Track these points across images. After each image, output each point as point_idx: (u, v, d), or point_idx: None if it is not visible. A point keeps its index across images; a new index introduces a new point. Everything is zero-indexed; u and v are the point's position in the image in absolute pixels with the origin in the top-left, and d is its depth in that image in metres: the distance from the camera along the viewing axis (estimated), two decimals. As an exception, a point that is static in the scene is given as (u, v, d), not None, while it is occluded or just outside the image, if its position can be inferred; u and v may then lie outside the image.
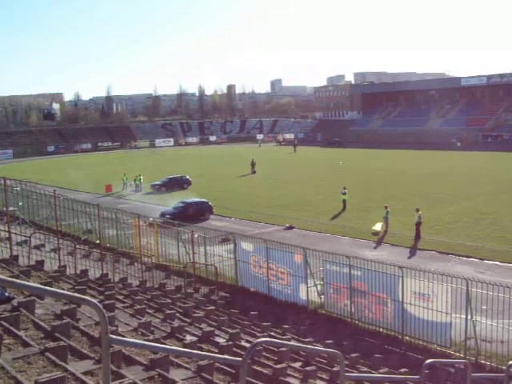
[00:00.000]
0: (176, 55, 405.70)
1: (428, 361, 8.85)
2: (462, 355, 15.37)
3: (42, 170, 74.60)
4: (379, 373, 12.62)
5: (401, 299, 16.93)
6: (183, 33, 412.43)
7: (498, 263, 25.52)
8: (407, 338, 16.93)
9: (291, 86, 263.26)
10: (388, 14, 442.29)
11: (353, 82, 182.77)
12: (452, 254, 27.26)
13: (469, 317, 15.46)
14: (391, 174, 58.57)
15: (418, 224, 30.69)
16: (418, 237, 30.37)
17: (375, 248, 29.72)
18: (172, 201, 43.44)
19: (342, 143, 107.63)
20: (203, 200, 40.03)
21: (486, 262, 25.89)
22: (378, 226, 32.73)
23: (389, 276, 17.25)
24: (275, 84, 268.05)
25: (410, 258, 26.99)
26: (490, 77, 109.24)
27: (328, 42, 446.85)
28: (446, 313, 15.79)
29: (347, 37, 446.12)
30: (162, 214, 36.19)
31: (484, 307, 15.72)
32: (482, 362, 15.08)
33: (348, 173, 60.21)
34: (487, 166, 62.56)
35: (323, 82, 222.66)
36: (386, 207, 33.57)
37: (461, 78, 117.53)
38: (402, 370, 13.43)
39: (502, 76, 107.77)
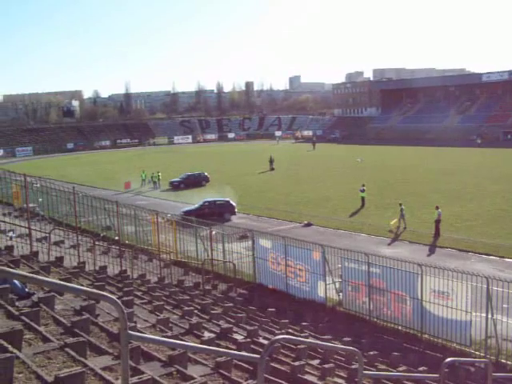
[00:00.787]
0: (194, 52, 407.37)
1: (448, 359, 8.79)
2: (482, 354, 15.21)
3: (61, 167, 75.22)
4: (398, 371, 12.54)
5: (420, 297, 16.80)
6: (201, 29, 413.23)
7: (519, 261, 25.23)
8: (426, 336, 16.80)
9: (309, 82, 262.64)
10: (407, 10, 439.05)
11: (371, 79, 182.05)
12: (471, 252, 26.99)
13: (489, 315, 15.30)
14: (410, 171, 58.13)
15: (438, 221, 30.46)
16: (437, 234, 30.15)
17: (389, 244, 29.68)
18: (190, 198, 43.63)
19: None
20: (226, 199, 39.40)
21: (506, 260, 25.59)
22: (394, 223, 32.67)
23: (408, 273, 17.13)
24: (293, 80, 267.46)
25: (428, 255, 26.77)
26: (511, 72, 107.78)
27: (347, 38, 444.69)
28: (466, 311, 15.64)
29: (366, 33, 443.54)
30: (185, 213, 36.13)
31: (505, 306, 15.55)
32: (503, 361, 14.93)
33: (366, 170, 59.89)
34: (508, 163, 61.85)
35: (342, 79, 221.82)
36: (400, 204, 33.50)
37: (482, 73, 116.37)
38: (421, 368, 13.33)
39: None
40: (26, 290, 9.69)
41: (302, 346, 11.61)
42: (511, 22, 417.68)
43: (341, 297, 19.85)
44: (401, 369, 12.88)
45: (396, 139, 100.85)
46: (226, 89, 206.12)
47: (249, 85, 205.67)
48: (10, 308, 8.23)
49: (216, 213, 36.85)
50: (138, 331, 8.89)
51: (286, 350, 11.99)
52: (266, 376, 8.31)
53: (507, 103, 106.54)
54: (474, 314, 15.76)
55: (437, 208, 31.00)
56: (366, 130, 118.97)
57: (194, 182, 53.58)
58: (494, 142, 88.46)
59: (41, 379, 5.72)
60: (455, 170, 57.38)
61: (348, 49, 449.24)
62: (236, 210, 38.52)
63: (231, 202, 38.76)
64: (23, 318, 7.83)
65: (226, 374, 8.36)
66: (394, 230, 32.24)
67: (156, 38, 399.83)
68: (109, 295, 3.85)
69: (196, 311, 14.17)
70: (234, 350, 9.94)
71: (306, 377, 9.94)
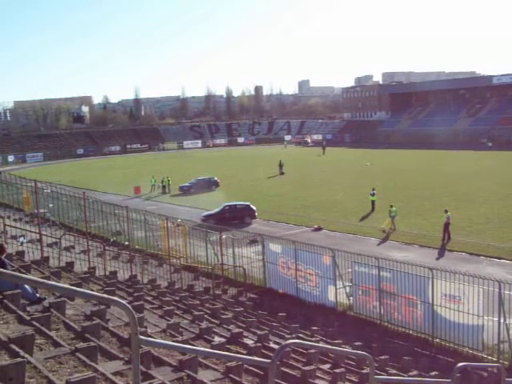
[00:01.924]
0: (203, 57, 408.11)
1: (460, 364, 8.72)
2: (494, 359, 15.10)
3: (71, 173, 75.60)
4: (409, 376, 12.47)
5: (431, 301, 16.73)
6: (210, 34, 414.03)
7: (531, 265, 25.04)
8: (437, 340, 16.71)
9: (319, 86, 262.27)
10: (417, 13, 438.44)
11: (381, 82, 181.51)
12: (483, 256, 26.82)
13: (501, 320, 15.19)
14: (420, 175, 57.95)
15: (447, 225, 30.32)
16: (447, 237, 30.01)
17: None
18: (200, 203, 43.74)
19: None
20: (246, 203, 39.19)
21: (518, 263, 25.43)
22: (385, 224, 33.49)
23: (418, 278, 17.06)
24: (303, 85, 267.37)
25: (439, 259, 26.63)
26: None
27: (356, 41, 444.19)
28: (478, 315, 15.53)
29: (375, 36, 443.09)
30: (205, 217, 36.43)
31: (517, 310, 15.43)
32: (516, 366, 14.81)
33: (376, 173, 59.75)
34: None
35: (351, 83, 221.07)
36: (391, 206, 34.03)
37: (492, 76, 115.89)
38: (433, 373, 13.25)
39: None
40: (37, 295, 9.73)
41: (313, 351, 11.57)
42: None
43: (351, 301, 19.79)
44: (412, 373, 12.82)
45: (406, 143, 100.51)
46: (236, 93, 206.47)
47: (258, 89, 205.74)
48: (21, 313, 8.26)
49: (237, 217, 36.96)
50: (149, 336, 8.90)
51: (297, 355, 11.96)
52: (277, 381, 8.30)
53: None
54: (486, 318, 15.65)
55: (445, 211, 30.83)
56: (375, 134, 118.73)
57: (204, 186, 53.57)
58: (505, 145, 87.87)
59: (52, 384, 5.73)
60: (466, 173, 57.10)
61: (357, 52, 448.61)
62: (256, 214, 38.42)
63: (251, 206, 38.61)
64: (34, 322, 7.86)
65: (236, 378, 8.35)
66: (386, 230, 33.03)
67: (165, 44, 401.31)
68: (119, 300, 3.85)
69: (206, 316, 14.16)
70: (245, 354, 9.92)
71: (317, 381, 9.91)
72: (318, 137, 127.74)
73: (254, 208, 38.49)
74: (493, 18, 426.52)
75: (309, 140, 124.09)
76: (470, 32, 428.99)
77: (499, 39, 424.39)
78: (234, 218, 36.66)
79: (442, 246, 29.22)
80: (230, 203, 39.01)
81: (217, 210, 38.16)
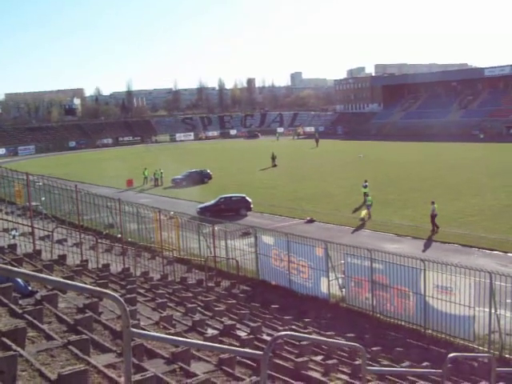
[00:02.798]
0: (195, 49, 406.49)
1: (451, 354, 8.79)
2: (485, 349, 15.22)
3: (63, 165, 75.32)
4: (401, 366, 12.55)
5: (423, 292, 16.82)
6: (202, 26, 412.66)
7: (522, 256, 25.20)
8: (429, 331, 16.82)
9: (311, 78, 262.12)
10: (409, 5, 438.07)
11: (373, 74, 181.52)
12: (475, 247, 26.96)
13: (492, 310, 15.30)
14: (412, 167, 58.11)
15: (433, 216, 30.57)
16: (434, 229, 30.26)
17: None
18: (193, 195, 43.69)
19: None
20: (242, 195, 39.23)
21: (509, 254, 25.57)
22: (363, 214, 34.85)
23: (410, 269, 17.15)
24: (295, 77, 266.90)
25: (431, 250, 26.72)
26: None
27: (348, 33, 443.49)
28: (469, 306, 15.64)
29: (367, 28, 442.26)
30: (201, 210, 36.61)
31: (508, 301, 15.55)
32: (507, 356, 14.94)
33: (369, 166, 59.85)
34: (511, 158, 61.68)
35: (343, 75, 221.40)
36: (367, 195, 35.72)
37: (484, 68, 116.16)
38: (425, 363, 13.34)
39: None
40: (29, 288, 9.71)
41: (306, 343, 11.61)
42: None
43: (344, 293, 19.87)
44: (404, 364, 12.89)
45: (398, 135, 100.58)
46: (228, 86, 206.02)
47: (250, 81, 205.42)
48: (13, 306, 8.24)
49: (232, 209, 37.03)
50: (141, 328, 8.90)
51: (290, 347, 11.99)
52: (270, 372, 8.32)
53: (510, 98, 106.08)
54: (477, 309, 15.76)
55: (432, 203, 31.09)
56: (368, 126, 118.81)
57: (197, 179, 53.47)
58: (496, 137, 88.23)
59: (44, 377, 5.73)
60: (458, 165, 57.30)
61: (349, 44, 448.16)
62: (252, 206, 38.49)
63: (247, 197, 38.68)
64: (26, 316, 7.85)
65: (229, 370, 8.36)
66: (365, 219, 34.25)
67: (157, 36, 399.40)
68: (111, 293, 3.85)
69: (199, 308, 14.18)
70: (237, 346, 9.94)
71: (310, 373, 9.94)
72: (310, 129, 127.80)
73: (250, 200, 38.53)
74: (485, 10, 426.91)
75: (301, 131, 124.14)
76: (462, 24, 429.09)
77: (491, 32, 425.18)
78: (229, 209, 36.73)
79: (431, 237, 29.41)
80: (225, 195, 39.03)
81: (212, 202, 38.21)
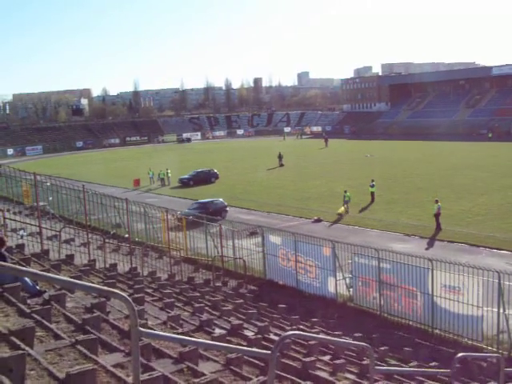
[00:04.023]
0: (202, 49, 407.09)
1: (459, 354, 8.75)
2: (494, 349, 15.14)
3: (71, 166, 75.58)
4: (409, 366, 12.51)
5: (430, 292, 16.76)
6: (210, 26, 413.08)
7: (531, 255, 25.06)
8: (437, 331, 16.76)
9: (318, 78, 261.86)
10: (415, 4, 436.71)
11: (380, 74, 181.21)
12: (483, 247, 26.85)
13: (501, 310, 15.23)
14: (420, 166, 57.90)
15: (437, 215, 30.55)
16: (438, 228, 30.23)
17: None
18: (200, 195, 43.74)
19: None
20: (219, 200, 38.60)
21: (517, 254, 25.45)
22: (341, 210, 35.73)
23: (418, 269, 17.09)
24: (302, 76, 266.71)
25: (438, 250, 26.58)
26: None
27: (355, 33, 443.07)
28: (478, 306, 15.57)
29: (374, 28, 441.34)
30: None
31: (517, 300, 15.46)
32: (515, 356, 14.85)
33: (376, 165, 59.69)
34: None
35: (350, 74, 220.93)
36: (345, 191, 36.77)
37: (492, 66, 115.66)
38: (433, 363, 13.29)
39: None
40: (38, 287, 9.73)
41: (313, 342, 11.60)
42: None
43: (351, 292, 19.84)
44: (412, 364, 12.85)
45: (405, 134, 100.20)
46: (235, 85, 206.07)
47: (257, 81, 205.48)
48: (21, 306, 8.26)
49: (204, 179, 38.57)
50: (149, 328, 8.91)
51: (297, 346, 11.98)
52: (277, 372, 8.31)
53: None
54: (485, 308, 15.69)
55: (436, 202, 31.10)
56: (374, 125, 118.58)
57: (204, 178, 53.52)
58: (504, 136, 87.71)
59: (52, 376, 5.74)
60: (465, 164, 57.06)
61: (356, 44, 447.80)
62: (227, 209, 37.85)
63: (224, 202, 38.31)
64: (35, 315, 7.86)
65: (237, 370, 8.36)
66: (344, 214, 35.36)
67: (164, 35, 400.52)
68: (119, 292, 3.85)
69: (207, 308, 14.18)
70: (245, 346, 9.94)
71: (317, 373, 9.92)
72: (317, 128, 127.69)
73: (226, 204, 38.20)
74: (492, 9, 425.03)
75: (308, 131, 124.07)
76: (468, 23, 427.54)
77: (499, 30, 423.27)
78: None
79: (437, 236, 29.31)
80: (201, 201, 38.59)
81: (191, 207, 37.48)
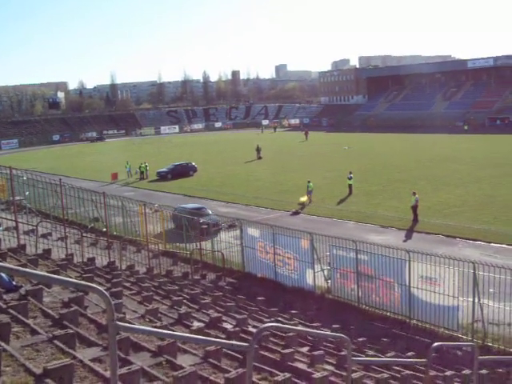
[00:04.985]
0: (180, 42, 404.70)
1: (435, 344, 8.87)
2: (469, 338, 15.37)
3: (47, 159, 74.77)
4: (386, 357, 12.65)
5: (408, 283, 16.93)
6: (187, 19, 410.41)
7: (506, 246, 25.40)
8: (414, 321, 16.95)
9: (296, 70, 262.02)
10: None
11: (358, 66, 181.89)
12: (459, 238, 27.18)
13: (476, 300, 15.47)
14: (397, 158, 58.34)
15: (415, 207, 30.86)
16: (415, 219, 30.53)
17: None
18: (178, 188, 43.53)
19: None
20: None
21: (493, 245, 25.80)
22: (303, 199, 37.31)
23: (396, 260, 17.25)
24: (280, 69, 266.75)
25: (415, 241, 26.84)
26: (496, 58, 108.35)
27: (333, 25, 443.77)
28: (454, 296, 15.79)
29: (352, 20, 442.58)
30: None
31: (491, 290, 15.69)
32: (490, 344, 15.10)
33: (354, 157, 60.00)
34: (494, 149, 62.14)
35: (328, 67, 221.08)
36: (308, 181, 38.04)
37: (467, 60, 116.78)
38: (410, 353, 13.46)
39: (508, 57, 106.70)
40: (14, 283, 9.65)
41: (291, 334, 11.66)
42: (496, 9, 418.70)
43: (329, 284, 19.95)
44: (389, 354, 12.99)
45: (383, 126, 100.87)
46: (213, 78, 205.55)
47: (235, 74, 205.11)
48: (-3, 301, 8.19)
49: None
50: (127, 322, 8.89)
51: (276, 338, 12.04)
52: (256, 364, 8.35)
53: (492, 89, 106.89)
54: (461, 298, 15.92)
55: (414, 194, 31.41)
56: (352, 118, 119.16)
57: (182, 172, 53.28)
58: (480, 128, 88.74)
59: (29, 371, 5.71)
60: (442, 156, 57.58)
61: (334, 37, 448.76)
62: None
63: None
64: (11, 311, 7.81)
65: (215, 362, 8.39)
66: (306, 204, 36.80)
67: (141, 28, 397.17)
68: (96, 286, 3.84)
69: (185, 301, 14.18)
70: (224, 338, 9.97)
71: (296, 364, 9.99)
72: (295, 121, 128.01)
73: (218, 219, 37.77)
74: (468, 3, 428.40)
75: (286, 124, 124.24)
76: (445, 16, 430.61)
77: (474, 24, 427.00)
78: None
79: (414, 228, 29.60)
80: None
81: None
